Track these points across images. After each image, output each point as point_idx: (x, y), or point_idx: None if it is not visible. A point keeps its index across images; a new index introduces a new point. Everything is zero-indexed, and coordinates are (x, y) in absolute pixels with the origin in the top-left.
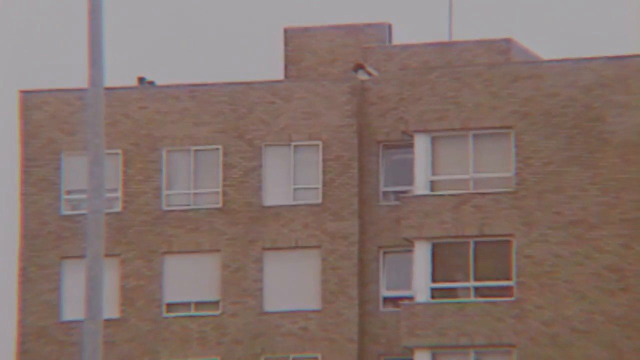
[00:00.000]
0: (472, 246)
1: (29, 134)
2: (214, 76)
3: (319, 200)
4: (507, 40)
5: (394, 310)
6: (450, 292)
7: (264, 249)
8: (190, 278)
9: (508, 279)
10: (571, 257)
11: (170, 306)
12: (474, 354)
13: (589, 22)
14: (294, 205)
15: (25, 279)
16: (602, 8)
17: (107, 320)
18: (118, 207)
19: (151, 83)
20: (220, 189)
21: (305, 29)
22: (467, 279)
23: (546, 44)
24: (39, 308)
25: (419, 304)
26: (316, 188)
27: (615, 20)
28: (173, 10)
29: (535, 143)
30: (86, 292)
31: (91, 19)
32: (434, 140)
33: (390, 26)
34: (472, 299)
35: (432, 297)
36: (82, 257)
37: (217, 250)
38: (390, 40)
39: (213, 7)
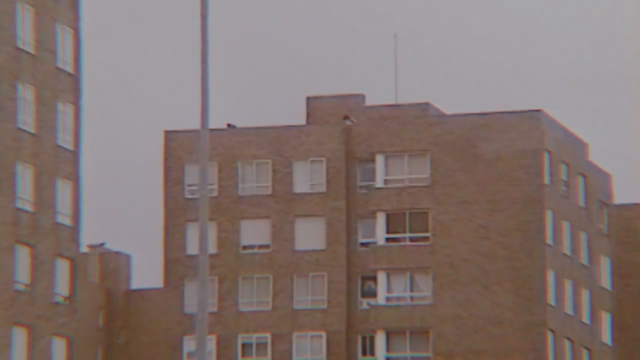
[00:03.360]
0: (407, 215)
1: (168, 154)
2: (268, 122)
3: (324, 190)
4: (427, 103)
5: (366, 249)
6: (396, 240)
7: (295, 216)
8: (254, 232)
9: (426, 231)
10: (461, 221)
11: (245, 247)
12: (409, 273)
13: (471, 87)
14: (311, 193)
15: (167, 232)
16: (478, 78)
17: (210, 255)
18: (215, 193)
19: (233, 126)
20: (270, 184)
21: (317, 97)
22: (405, 232)
23: (448, 103)
24: (175, 247)
25: (379, 246)
26: (322, 183)
27: (487, 87)
28: (243, 78)
29: (441, 159)
30: (199, 240)
31: (202, 89)
32: (386, 158)
33: (364, 95)
34: (408, 243)
35: (386, 241)
36: (196, 220)
37: (268, 217)
38: (364, 103)
39: (264, 82)
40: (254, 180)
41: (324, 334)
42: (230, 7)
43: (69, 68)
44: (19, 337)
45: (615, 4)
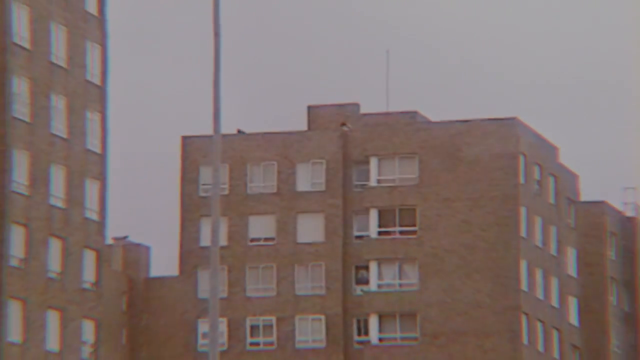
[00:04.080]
0: (397, 211)
1: (185, 157)
2: (274, 128)
3: (324, 189)
4: (415, 112)
5: (360, 241)
6: (387, 233)
7: (297, 212)
8: (261, 226)
9: (414, 226)
10: (445, 216)
11: (252, 240)
12: (398, 263)
13: (454, 97)
14: (311, 191)
15: (183, 227)
16: (461, 88)
17: (221, 247)
18: (226, 192)
19: (243, 132)
20: (275, 183)
21: (318, 106)
22: (395, 226)
23: (434, 111)
24: (189, 239)
25: (372, 238)
26: (322, 183)
27: (469, 96)
28: (251, 89)
29: (427, 161)
30: (211, 233)
31: (215, 99)
32: (379, 160)
33: (359, 104)
34: (397, 236)
35: (378, 234)
36: (209, 215)
37: (274, 213)
38: (359, 111)
39: (270, 93)
40: (261, 180)
41: (323, 317)
42: (241, 28)
43: (97, 80)
44: (53, 320)
45: (581, 20)
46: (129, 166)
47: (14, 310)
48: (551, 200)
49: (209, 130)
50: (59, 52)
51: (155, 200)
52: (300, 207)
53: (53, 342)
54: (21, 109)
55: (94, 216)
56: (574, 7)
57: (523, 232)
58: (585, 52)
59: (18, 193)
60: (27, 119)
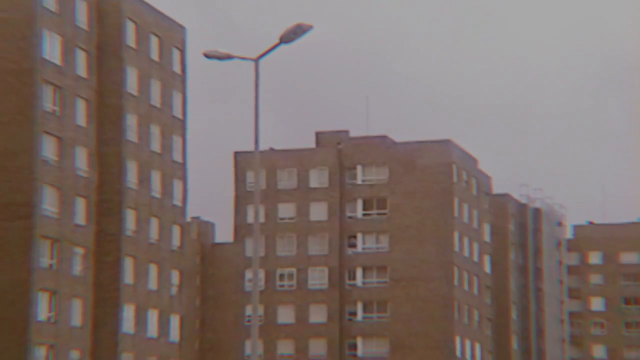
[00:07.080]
0: (375, 200)
1: (236, 165)
2: (294, 146)
3: (327, 186)
4: (385, 136)
5: (351, 220)
6: (368, 215)
7: (310, 201)
8: (286, 210)
9: (386, 209)
10: (406, 203)
11: (280, 219)
12: (375, 234)
13: (411, 124)
14: (319, 187)
15: (236, 210)
16: (415, 120)
17: (261, 223)
18: (263, 187)
19: (274, 149)
20: (295, 182)
21: (322, 132)
22: (373, 210)
23: (398, 135)
24: (240, 219)
25: (359, 218)
26: (326, 181)
27: (420, 124)
28: (279, 120)
29: (394, 168)
30: (254, 214)
31: (255, 127)
32: (363, 167)
33: (348, 131)
34: (375, 216)
35: (363, 216)
36: (253, 203)
37: (295, 202)
38: (349, 135)
39: (291, 123)
40: (286, 180)
41: (326, 269)
42: (273, 78)
43: (179, 115)
44: (152, 270)
45: (493, 61)
46: (201, 171)
47: (128, 264)
48: (474, 193)
49: (251, 147)
50: (155, 97)
51: (218, 193)
52: (311, 197)
53: (152, 284)
54: (131, 134)
55: (179, 203)
56: (484, 45)
57: (456, 214)
58: (498, 86)
59: (130, 188)
60: (135, 141)
